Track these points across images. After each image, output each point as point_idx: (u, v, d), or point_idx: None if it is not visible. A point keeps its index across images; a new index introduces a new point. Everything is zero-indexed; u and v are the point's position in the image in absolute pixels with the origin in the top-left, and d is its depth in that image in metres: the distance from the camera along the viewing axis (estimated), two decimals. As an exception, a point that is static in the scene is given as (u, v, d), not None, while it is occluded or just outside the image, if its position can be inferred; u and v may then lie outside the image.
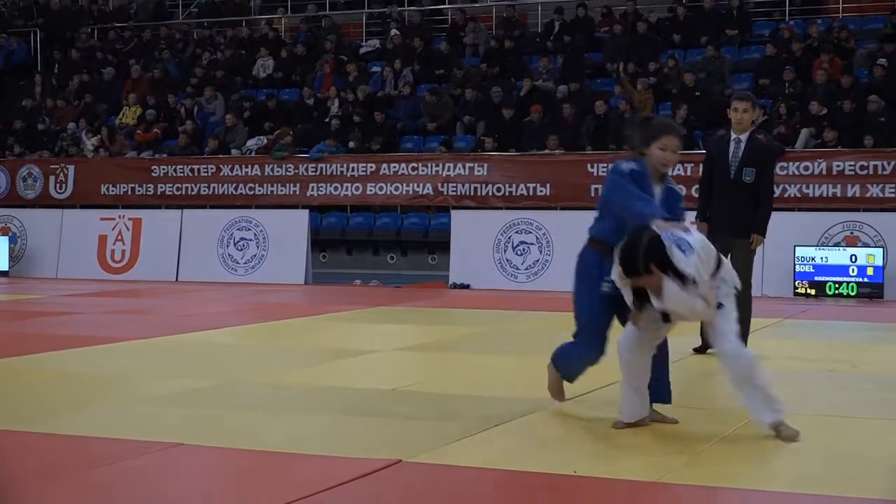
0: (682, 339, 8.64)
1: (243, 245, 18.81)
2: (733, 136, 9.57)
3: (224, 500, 5.27)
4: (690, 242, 6.03)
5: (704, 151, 11.27)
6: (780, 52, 19.41)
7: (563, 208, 17.63)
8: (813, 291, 15.51)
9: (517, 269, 17.30)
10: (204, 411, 7.27)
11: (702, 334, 9.08)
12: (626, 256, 6.15)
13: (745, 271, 8.89)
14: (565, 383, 7.02)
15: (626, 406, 6.56)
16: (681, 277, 5.98)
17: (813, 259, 15.60)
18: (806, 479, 5.55)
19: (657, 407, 6.72)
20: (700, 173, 10.08)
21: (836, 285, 15.47)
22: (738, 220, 9.46)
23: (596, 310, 6.58)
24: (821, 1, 21.94)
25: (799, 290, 15.55)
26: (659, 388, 6.71)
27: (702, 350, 9.46)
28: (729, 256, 8.59)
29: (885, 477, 5.65)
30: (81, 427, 6.68)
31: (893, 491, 5.37)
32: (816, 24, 20.28)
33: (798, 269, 15.58)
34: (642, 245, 6.05)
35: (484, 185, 18.19)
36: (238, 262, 18.82)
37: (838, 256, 15.56)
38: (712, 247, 6.20)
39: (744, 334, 9.13)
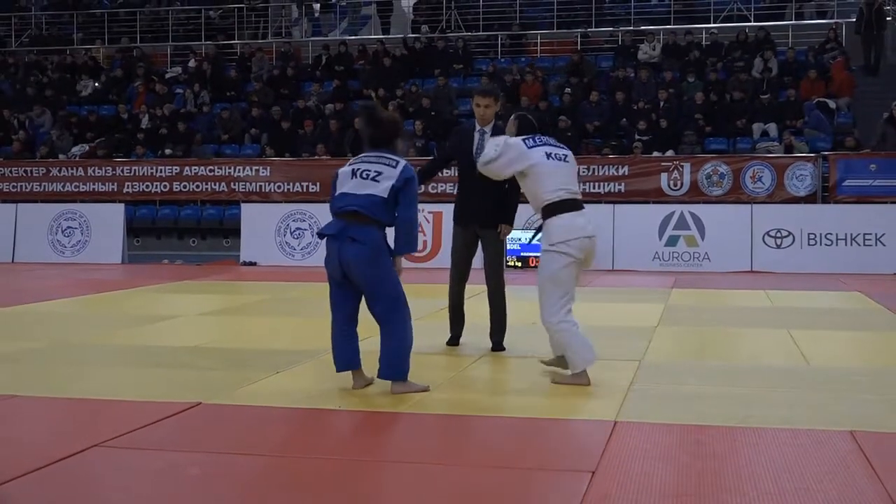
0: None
1: (70, 232, 17.86)
2: (478, 127, 7.53)
3: (50, 440, 4.95)
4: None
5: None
6: (496, 82, 19.76)
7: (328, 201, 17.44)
8: (520, 264, 15.88)
9: (294, 249, 17.04)
10: (35, 367, 6.84)
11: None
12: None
13: (498, 262, 7.62)
14: None
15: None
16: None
17: (520, 239, 15.97)
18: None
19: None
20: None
21: (536, 259, 15.83)
22: (487, 211, 7.47)
23: None
24: (524, 45, 22.49)
25: (509, 264, 15.87)
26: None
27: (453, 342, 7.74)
28: (480, 248, 7.58)
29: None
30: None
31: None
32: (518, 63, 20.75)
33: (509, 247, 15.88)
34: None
35: (267, 184, 17.87)
36: (65, 247, 17.85)
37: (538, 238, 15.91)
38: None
39: (502, 327, 7.68)
